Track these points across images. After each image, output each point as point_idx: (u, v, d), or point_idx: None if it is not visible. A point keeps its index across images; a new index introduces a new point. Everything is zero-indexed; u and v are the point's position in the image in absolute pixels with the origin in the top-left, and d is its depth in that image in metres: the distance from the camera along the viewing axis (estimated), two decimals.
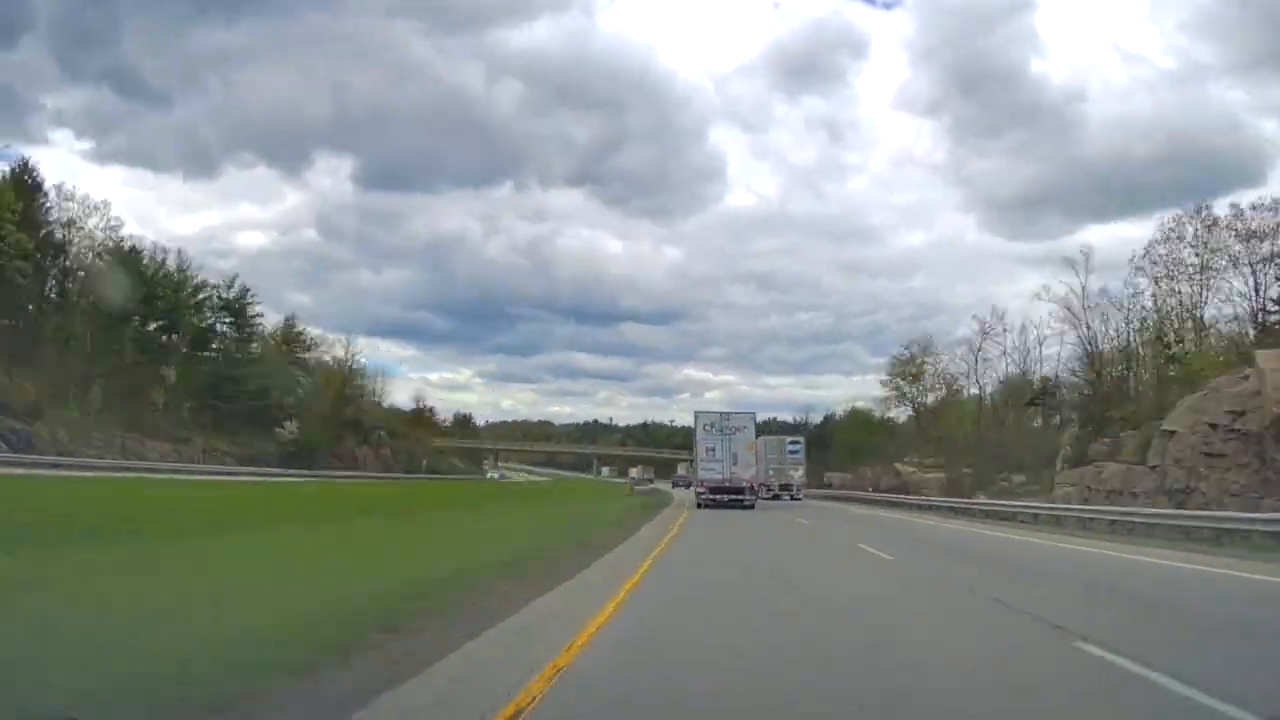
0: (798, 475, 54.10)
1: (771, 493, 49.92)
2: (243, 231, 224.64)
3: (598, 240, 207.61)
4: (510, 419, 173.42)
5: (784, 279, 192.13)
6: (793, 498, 51.32)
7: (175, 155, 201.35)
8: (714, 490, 35.92)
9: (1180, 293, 41.68)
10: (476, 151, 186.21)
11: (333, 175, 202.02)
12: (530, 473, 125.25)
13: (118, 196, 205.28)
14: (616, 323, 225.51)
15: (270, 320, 74.58)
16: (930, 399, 68.51)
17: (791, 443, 56.20)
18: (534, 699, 4.95)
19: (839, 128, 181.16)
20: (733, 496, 35.79)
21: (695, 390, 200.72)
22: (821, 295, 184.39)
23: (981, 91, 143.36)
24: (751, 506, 36.28)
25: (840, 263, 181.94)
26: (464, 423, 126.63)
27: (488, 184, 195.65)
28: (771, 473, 51.34)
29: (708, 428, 36.75)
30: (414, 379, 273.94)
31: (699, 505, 36.27)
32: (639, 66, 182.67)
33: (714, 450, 36.41)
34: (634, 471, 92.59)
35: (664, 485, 79.30)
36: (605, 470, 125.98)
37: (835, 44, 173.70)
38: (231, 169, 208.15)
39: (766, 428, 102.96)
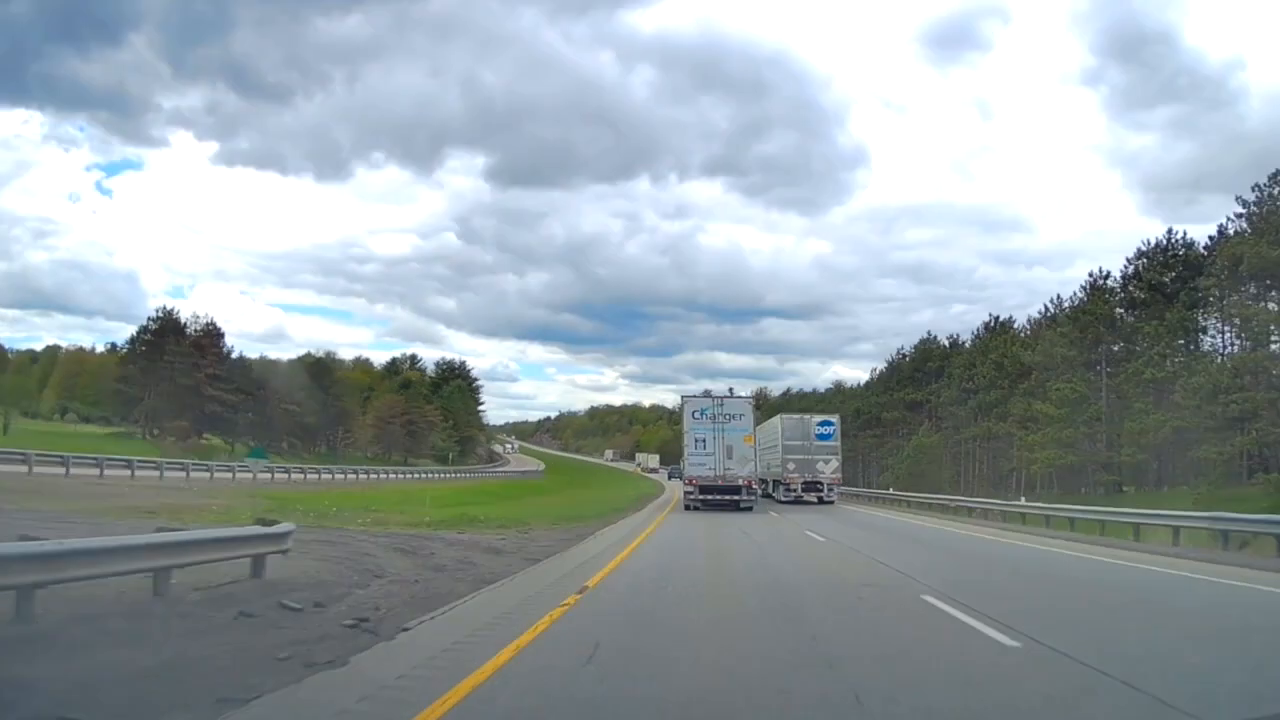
0: (829, 469, 38.28)
1: (792, 492, 37.19)
2: (382, 235, 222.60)
3: (738, 234, 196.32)
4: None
5: (936, 271, 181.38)
6: (822, 499, 37.40)
7: (303, 156, 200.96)
8: (704, 489, 30.57)
9: None
10: (612, 143, 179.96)
11: (466, 173, 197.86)
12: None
13: (249, 201, 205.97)
14: (758, 319, 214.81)
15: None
16: None
17: (821, 423, 39.67)
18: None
19: (988, 104, 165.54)
20: (726, 496, 30.45)
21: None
22: (975, 288, 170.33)
23: (1138, 60, 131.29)
24: (749, 509, 30.94)
25: (994, 253, 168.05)
26: None
27: (624, 177, 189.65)
28: (792, 465, 37.84)
29: (697, 415, 31.30)
30: (561, 381, 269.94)
31: (686, 506, 30.92)
32: (777, 44, 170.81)
33: (704, 442, 31.00)
34: (639, 457, 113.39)
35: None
36: (610, 453, 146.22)
37: (982, 8, 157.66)
38: (363, 169, 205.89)
39: (787, 404, 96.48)
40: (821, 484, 38.00)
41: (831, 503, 37.42)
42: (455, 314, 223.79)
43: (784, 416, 41.84)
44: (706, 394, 32.36)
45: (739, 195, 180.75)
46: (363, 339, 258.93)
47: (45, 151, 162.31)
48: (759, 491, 32.39)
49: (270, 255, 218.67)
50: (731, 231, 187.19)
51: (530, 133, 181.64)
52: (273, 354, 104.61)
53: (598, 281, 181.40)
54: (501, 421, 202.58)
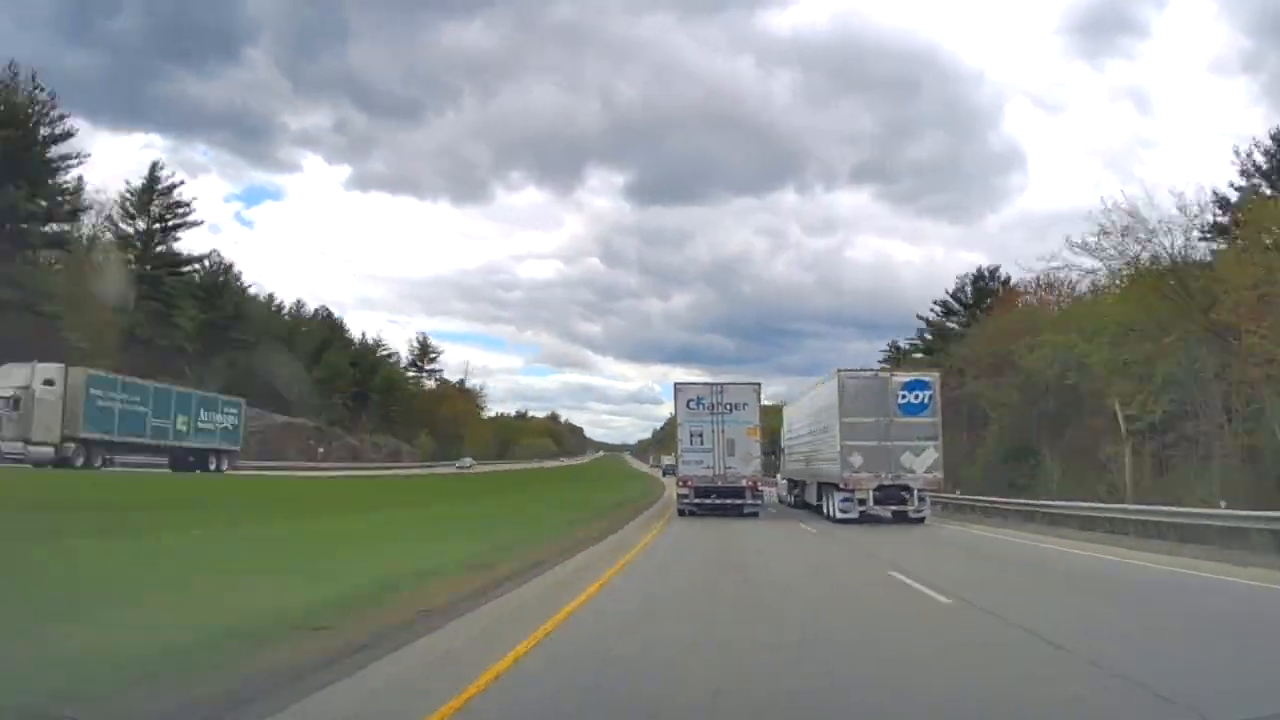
0: (922, 463, 23.31)
1: (857, 504, 23.17)
2: (526, 262, 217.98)
3: (886, 246, 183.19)
4: None
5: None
6: (913, 514, 23.16)
7: (439, 178, 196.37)
8: (700, 491, 25.93)
9: None
10: (754, 154, 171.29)
11: (606, 192, 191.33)
12: None
13: (388, 227, 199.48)
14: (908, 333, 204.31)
15: None
16: None
17: (910, 386, 24.08)
18: None
19: (1145, 97, 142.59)
20: (725, 500, 25.85)
21: None
22: None
23: None
24: (754, 515, 26.29)
25: None
26: None
27: (768, 188, 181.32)
28: (858, 458, 23.29)
29: (692, 405, 26.62)
30: None
31: (680, 511, 26.32)
32: (923, 38, 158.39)
33: (700, 436, 26.33)
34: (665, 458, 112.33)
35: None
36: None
37: None
38: (501, 190, 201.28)
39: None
40: (910, 489, 23.08)
41: (922, 519, 23.30)
42: (600, 338, 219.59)
43: (845, 373, 24.91)
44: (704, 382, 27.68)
45: (887, 204, 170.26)
46: (514, 365, 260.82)
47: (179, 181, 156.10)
48: (764, 495, 27.70)
49: (414, 282, 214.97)
50: (879, 245, 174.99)
51: (670, 146, 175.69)
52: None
53: (741, 300, 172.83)
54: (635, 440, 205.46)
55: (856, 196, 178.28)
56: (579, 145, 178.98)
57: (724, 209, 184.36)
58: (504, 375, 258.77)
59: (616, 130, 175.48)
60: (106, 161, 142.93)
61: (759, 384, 27.12)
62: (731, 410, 26.39)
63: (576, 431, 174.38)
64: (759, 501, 26.43)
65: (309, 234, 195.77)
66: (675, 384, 27.18)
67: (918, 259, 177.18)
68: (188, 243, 65.68)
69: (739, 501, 25.99)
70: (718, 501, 25.86)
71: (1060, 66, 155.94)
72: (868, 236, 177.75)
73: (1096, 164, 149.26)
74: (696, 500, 25.92)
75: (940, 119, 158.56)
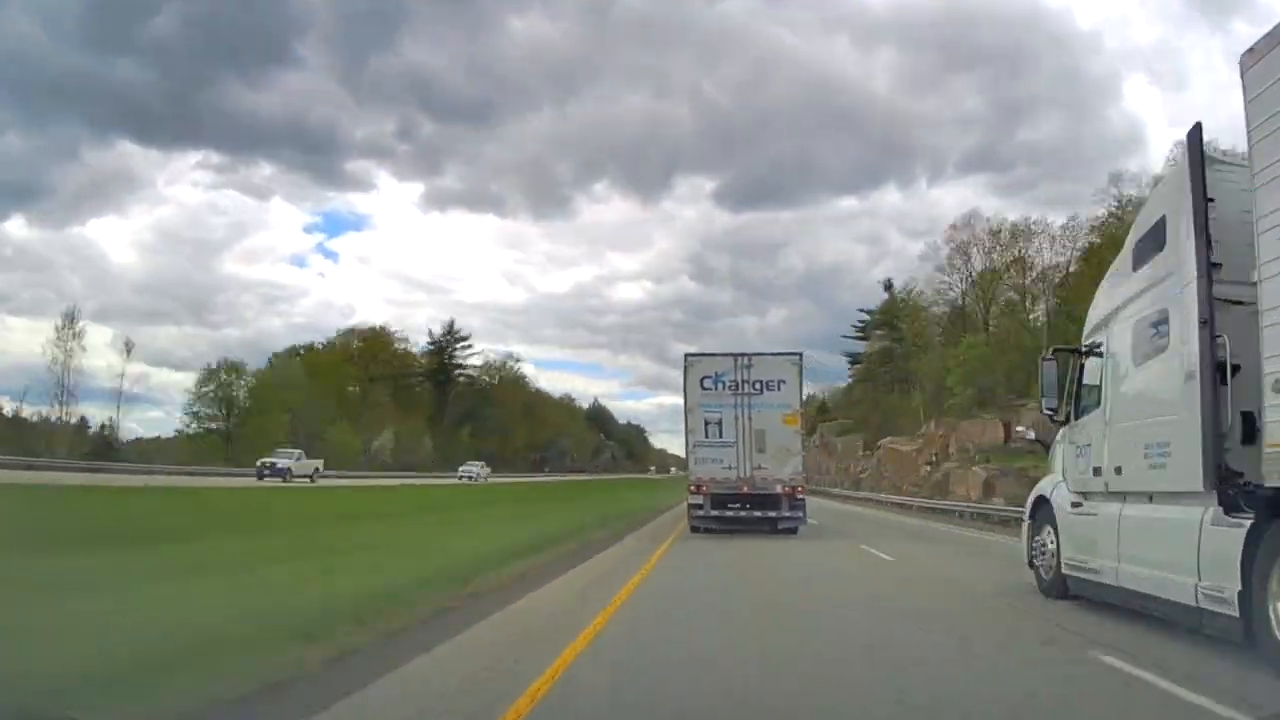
0: None
1: None
2: (616, 284, 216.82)
3: None
4: None
5: None
6: None
7: (518, 191, 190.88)
8: (720, 500, 19.11)
9: None
10: (853, 148, 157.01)
11: (694, 200, 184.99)
12: None
13: (473, 250, 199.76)
14: None
15: None
16: None
17: None
18: None
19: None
20: (754, 512, 18.99)
21: None
22: None
23: None
24: (793, 531, 19.35)
25: None
26: None
27: (868, 185, 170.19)
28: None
29: (708, 384, 19.81)
30: None
31: (693, 528, 19.54)
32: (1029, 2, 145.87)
33: (719, 425, 19.52)
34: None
35: None
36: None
37: None
38: (585, 203, 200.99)
39: None
40: None
41: None
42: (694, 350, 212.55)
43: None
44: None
45: (998, 198, 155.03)
46: (612, 390, 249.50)
47: (251, 208, 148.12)
48: (805, 503, 20.46)
49: (508, 309, 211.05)
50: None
51: (762, 145, 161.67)
52: None
53: (841, 311, 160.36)
54: None
55: (964, 189, 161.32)
56: (665, 149, 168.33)
57: (821, 211, 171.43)
58: (603, 400, 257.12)
59: (704, 131, 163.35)
60: (165, 186, 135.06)
61: (800, 355, 20.06)
62: (763, 390, 19.53)
63: (662, 452, 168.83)
64: (799, 514, 19.36)
65: (395, 262, 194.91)
66: (686, 355, 20.36)
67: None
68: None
69: (772, 514, 19.05)
70: (743, 514, 18.98)
71: (1176, 22, 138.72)
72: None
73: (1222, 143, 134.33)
74: (714, 512, 19.07)
75: (1055, 95, 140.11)
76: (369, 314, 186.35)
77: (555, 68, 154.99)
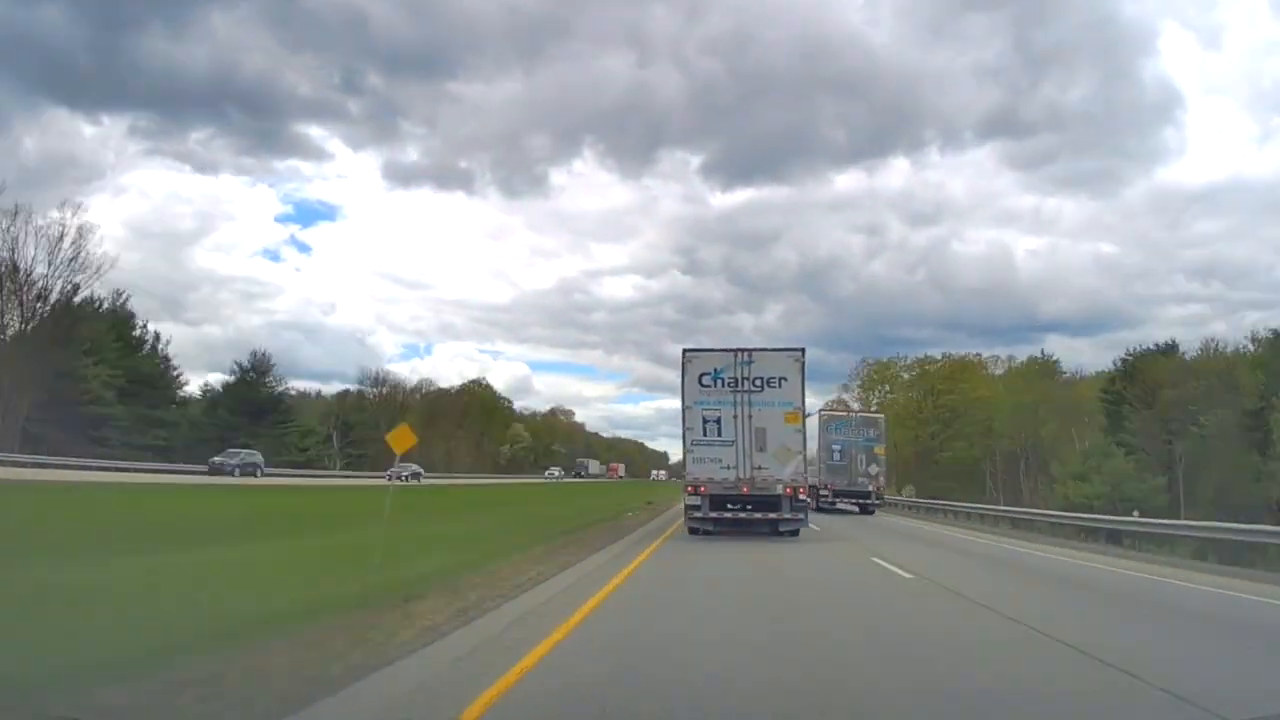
0: None
1: None
2: (605, 279, 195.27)
3: (1001, 237, 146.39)
4: None
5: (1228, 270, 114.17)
6: None
7: (489, 166, 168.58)
8: (719, 501, 18.37)
9: None
10: (856, 113, 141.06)
11: (681, 176, 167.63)
12: None
13: (446, 239, 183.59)
14: (1033, 335, 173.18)
15: None
16: None
17: None
18: None
19: None
20: (754, 513, 18.25)
21: None
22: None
23: None
24: (794, 533, 18.64)
25: None
26: None
27: (873, 154, 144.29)
28: None
29: (707, 381, 19.08)
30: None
31: (690, 530, 18.80)
32: None
33: (718, 424, 18.80)
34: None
35: None
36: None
37: None
38: (563, 178, 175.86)
39: None
40: None
41: None
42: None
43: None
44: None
45: (1015, 172, 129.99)
46: (608, 393, 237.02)
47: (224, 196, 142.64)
48: (809, 504, 19.70)
49: (493, 307, 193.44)
50: (992, 235, 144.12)
51: (755, 115, 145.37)
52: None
53: (842, 305, 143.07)
54: None
55: (977, 161, 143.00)
56: (649, 119, 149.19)
57: (819, 191, 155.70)
58: (599, 404, 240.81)
59: (692, 100, 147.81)
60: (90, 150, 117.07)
61: (802, 350, 19.27)
62: (763, 388, 18.80)
63: (661, 456, 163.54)
64: (801, 515, 18.61)
65: (371, 256, 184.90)
66: (684, 350, 19.61)
67: (1045, 245, 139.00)
68: None
69: (773, 515, 18.31)
70: (742, 515, 18.23)
71: None
72: (980, 228, 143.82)
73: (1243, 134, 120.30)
74: (713, 514, 18.32)
75: (1087, 44, 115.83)
76: (350, 313, 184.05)
77: (519, 22, 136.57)
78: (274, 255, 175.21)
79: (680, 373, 19.27)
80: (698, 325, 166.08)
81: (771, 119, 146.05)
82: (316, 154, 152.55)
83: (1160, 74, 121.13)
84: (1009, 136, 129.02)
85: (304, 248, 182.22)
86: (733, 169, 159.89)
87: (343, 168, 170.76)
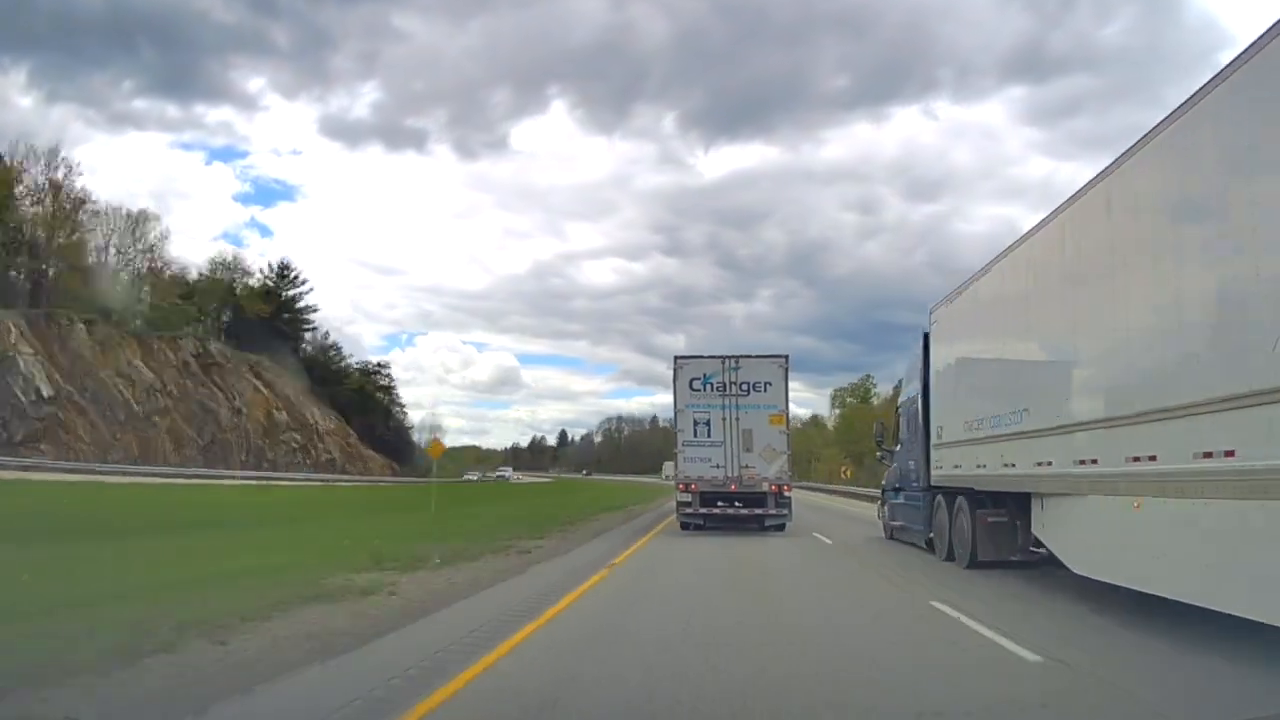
0: None
1: None
2: (583, 263, 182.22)
3: (1007, 212, 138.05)
4: None
5: None
6: None
7: (445, 123, 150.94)
8: (709, 498, 19.68)
9: None
10: (860, 55, 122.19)
11: (656, 133, 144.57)
12: None
13: (406, 215, 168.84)
14: None
15: None
16: None
17: None
18: None
19: None
20: (742, 509, 19.56)
21: None
22: None
23: None
24: (780, 528, 19.92)
25: None
26: None
27: (886, 98, 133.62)
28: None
29: (697, 385, 20.40)
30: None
31: (682, 525, 20.11)
32: None
33: (707, 425, 20.11)
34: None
35: None
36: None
37: None
38: (523, 133, 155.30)
39: None
40: None
41: None
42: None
43: None
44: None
45: (1032, 128, 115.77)
46: (597, 388, 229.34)
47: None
48: (792, 501, 20.99)
49: (466, 295, 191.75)
50: (998, 211, 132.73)
51: (745, 61, 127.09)
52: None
53: (838, 288, 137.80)
54: None
55: (992, 112, 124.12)
56: (625, 63, 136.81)
57: (814, 154, 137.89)
58: (589, 399, 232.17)
59: (675, 44, 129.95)
60: None
61: (786, 357, 20.62)
62: (749, 392, 20.11)
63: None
64: (785, 511, 19.93)
65: (337, 239, 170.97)
66: (675, 357, 20.92)
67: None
68: None
69: (759, 511, 19.63)
70: (730, 511, 19.54)
71: None
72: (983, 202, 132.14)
73: None
74: (703, 510, 19.64)
75: None
76: (325, 302, 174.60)
77: None
78: (234, 240, 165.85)
79: (672, 378, 20.61)
80: (685, 314, 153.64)
81: (762, 64, 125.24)
82: (243, 102, 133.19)
83: (1206, 13, 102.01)
84: (1028, 81, 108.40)
85: (268, 232, 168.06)
86: (718, 124, 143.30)
87: (276, 120, 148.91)
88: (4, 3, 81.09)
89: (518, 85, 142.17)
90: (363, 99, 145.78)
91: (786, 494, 19.95)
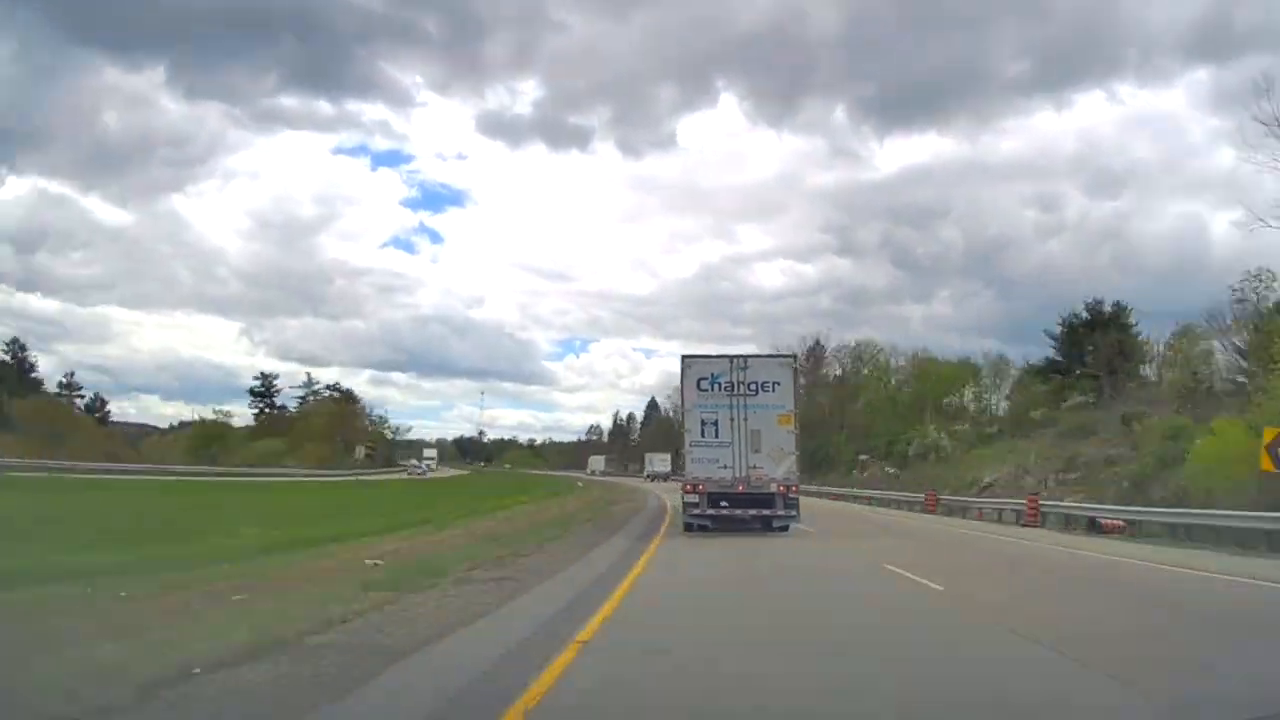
0: None
1: None
2: (754, 265, 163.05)
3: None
4: None
5: None
6: None
7: (608, 120, 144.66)
8: (717, 498, 19.59)
9: None
10: (1039, 35, 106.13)
11: (824, 126, 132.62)
12: None
13: (570, 216, 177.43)
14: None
15: None
16: None
17: None
18: None
19: None
20: (750, 510, 19.47)
21: None
22: None
23: None
24: (785, 528, 19.85)
25: None
26: None
27: (1067, 82, 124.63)
28: None
29: (705, 385, 20.29)
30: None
31: (687, 526, 20.03)
32: None
33: (715, 426, 20.02)
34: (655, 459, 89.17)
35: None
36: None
37: None
38: (690, 128, 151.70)
39: None
40: None
41: None
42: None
43: None
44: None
45: (1215, 115, 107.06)
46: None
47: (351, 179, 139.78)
48: (799, 502, 20.83)
49: (634, 300, 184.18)
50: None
51: (917, 48, 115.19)
52: None
53: (1009, 290, 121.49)
54: None
55: (1175, 99, 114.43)
56: (793, 53, 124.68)
57: (993, 147, 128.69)
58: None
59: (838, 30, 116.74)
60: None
61: (794, 357, 20.61)
62: (758, 392, 20.02)
63: None
64: (793, 512, 19.85)
65: (505, 243, 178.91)
66: (683, 357, 20.83)
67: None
68: None
69: (766, 512, 19.56)
70: (737, 512, 19.46)
71: None
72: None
73: None
74: (710, 511, 19.55)
75: None
76: (496, 308, 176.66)
77: None
78: (407, 246, 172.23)
79: (679, 378, 20.48)
80: (859, 315, 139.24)
81: (937, 49, 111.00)
82: (397, 99, 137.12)
83: None
84: (1216, 61, 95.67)
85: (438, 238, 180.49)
86: (891, 115, 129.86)
87: (433, 116, 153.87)
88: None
89: (683, 78, 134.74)
90: (523, 96, 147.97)
91: (794, 495, 19.87)
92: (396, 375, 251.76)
